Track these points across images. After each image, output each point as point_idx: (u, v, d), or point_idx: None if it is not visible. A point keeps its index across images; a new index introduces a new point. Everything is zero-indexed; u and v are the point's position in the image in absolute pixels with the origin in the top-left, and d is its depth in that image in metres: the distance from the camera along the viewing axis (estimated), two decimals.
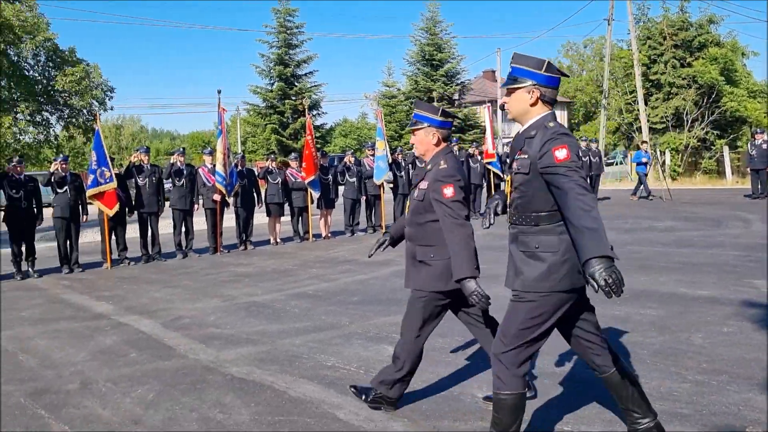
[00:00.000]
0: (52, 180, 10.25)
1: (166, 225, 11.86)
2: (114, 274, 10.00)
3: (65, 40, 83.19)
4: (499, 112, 40.36)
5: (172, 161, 11.56)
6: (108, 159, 10.51)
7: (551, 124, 2.91)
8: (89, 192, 10.39)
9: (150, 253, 11.11)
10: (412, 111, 35.00)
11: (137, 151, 11.42)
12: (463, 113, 40.64)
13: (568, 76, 3.89)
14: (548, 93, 2.99)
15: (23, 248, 9.95)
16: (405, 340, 3.79)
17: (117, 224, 10.74)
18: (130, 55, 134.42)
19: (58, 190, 10.29)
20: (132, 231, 11.59)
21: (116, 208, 10.44)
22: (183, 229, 11.44)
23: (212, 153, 11.82)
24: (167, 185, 11.55)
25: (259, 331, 6.07)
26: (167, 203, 11.58)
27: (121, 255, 10.83)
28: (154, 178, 11.03)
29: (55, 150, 37.73)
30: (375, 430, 3.70)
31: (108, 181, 10.40)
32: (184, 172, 11.39)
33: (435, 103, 5.82)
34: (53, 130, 39.60)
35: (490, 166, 15.71)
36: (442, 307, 3.75)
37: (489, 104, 17.67)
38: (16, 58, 35.36)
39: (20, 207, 9.84)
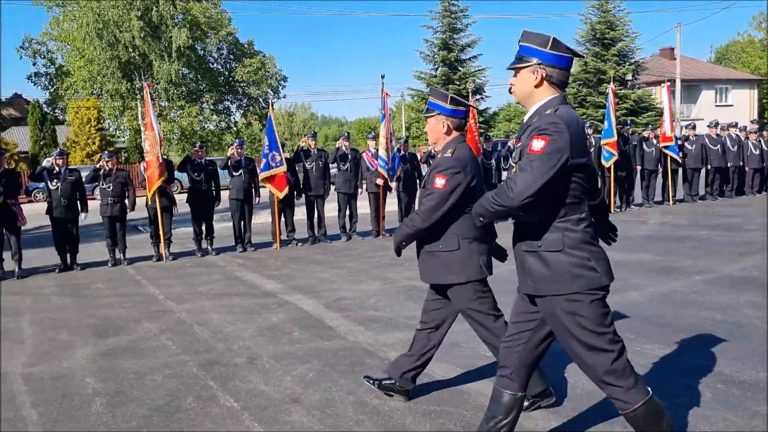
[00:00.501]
0: (229, 164, 10.92)
1: (331, 208, 12.21)
2: (282, 254, 10.47)
3: (244, 34, 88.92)
4: (678, 92, 37.46)
5: (337, 146, 11.87)
6: (279, 144, 10.99)
7: (549, 111, 2.67)
8: (261, 175, 10.92)
9: (316, 234, 11.51)
10: (579, 94, 33.35)
11: (305, 136, 11.87)
12: (635, 95, 38.20)
13: (581, 56, 3.52)
14: (555, 74, 2.75)
15: (203, 227, 10.71)
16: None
17: (286, 206, 11.22)
18: (300, 45, 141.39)
19: (234, 174, 10.93)
20: (300, 213, 12.06)
21: (286, 191, 10.90)
22: (347, 212, 11.72)
23: (375, 138, 11.97)
24: (333, 169, 11.88)
25: (417, 315, 5.99)
26: (332, 187, 11.92)
27: (289, 236, 11.32)
28: (320, 162, 11.39)
29: (234, 136, 40.60)
30: (535, 430, 3.47)
31: (278, 165, 10.87)
32: (349, 156, 11.64)
33: (448, 92, 5.43)
34: (233, 117, 42.77)
35: (666, 151, 14.54)
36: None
37: (668, 83, 16.33)
38: (202, 52, 38.42)
39: (200, 189, 10.59)
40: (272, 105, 12.86)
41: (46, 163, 10.06)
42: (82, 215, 9.93)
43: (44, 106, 39.63)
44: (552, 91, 2.76)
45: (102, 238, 10.58)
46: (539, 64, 2.74)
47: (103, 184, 9.95)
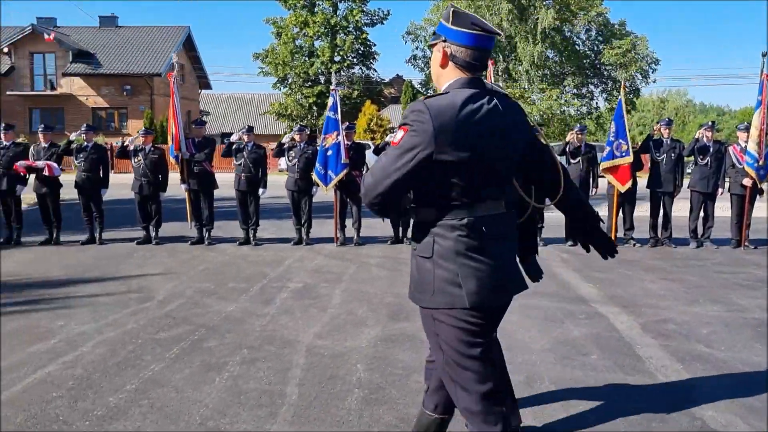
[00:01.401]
0: (567, 150, 10.11)
1: (678, 208, 10.56)
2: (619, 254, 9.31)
3: (616, 14, 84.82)
4: None
5: (696, 137, 10.14)
6: (627, 131, 9.80)
7: (423, 97, 2.30)
8: (603, 165, 9.88)
9: (659, 236, 10.04)
10: None
11: (658, 123, 10.39)
12: None
13: (497, 33, 2.37)
14: (459, 53, 2.33)
15: None
16: None
17: (625, 201, 9.99)
18: (677, 23, 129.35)
19: (572, 161, 10.09)
20: (640, 210, 10.67)
21: (628, 184, 9.70)
22: (701, 214, 9.99)
23: (747, 129, 9.89)
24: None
25: (764, 363, 4.57)
26: (685, 183, 10.26)
27: (626, 234, 10.08)
28: (673, 154, 9.85)
29: (594, 121, 38.97)
30: None
31: (624, 154, 9.70)
32: (710, 149, 9.85)
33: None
34: (596, 101, 41.06)
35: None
36: None
37: None
38: (569, 33, 37.49)
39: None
40: (624, 87, 11.53)
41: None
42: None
43: (419, 86, 43.08)
44: (457, 72, 2.36)
45: None
46: (444, 41, 2.37)
47: None
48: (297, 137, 10.13)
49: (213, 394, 3.94)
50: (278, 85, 40.90)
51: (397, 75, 47.19)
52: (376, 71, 41.90)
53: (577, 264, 8.43)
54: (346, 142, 9.80)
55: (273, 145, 12.58)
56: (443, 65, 2.39)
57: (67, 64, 35.27)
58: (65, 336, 5.09)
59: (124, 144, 10.08)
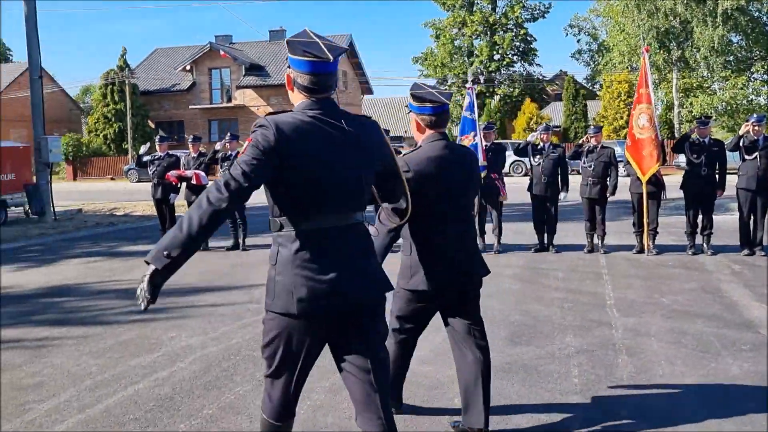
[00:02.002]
0: (741, 144, 8.73)
1: None
2: None
3: None
4: None
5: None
6: None
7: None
8: None
9: None
10: None
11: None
12: None
13: (321, 58, 2.34)
14: (299, 78, 2.46)
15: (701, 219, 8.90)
16: None
17: None
18: None
19: (747, 157, 8.71)
20: None
21: None
22: None
23: None
24: None
25: None
26: None
27: None
28: None
29: (765, 110, 34.71)
30: None
31: None
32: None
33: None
34: None
35: None
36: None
37: None
38: (757, 13, 33.61)
39: (700, 174, 8.73)
40: None
41: (530, 137, 9.75)
42: (562, 194, 9.31)
43: (584, 81, 40.95)
44: (301, 96, 2.49)
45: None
46: (289, 67, 2.51)
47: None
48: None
49: None
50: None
51: (561, 71, 45.20)
52: (540, 66, 40.40)
53: (750, 277, 7.18)
54: (484, 143, 9.21)
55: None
56: (291, 89, 2.53)
57: (240, 77, 37.64)
58: (170, 349, 5.03)
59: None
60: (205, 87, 38.29)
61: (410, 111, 3.27)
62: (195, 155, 10.49)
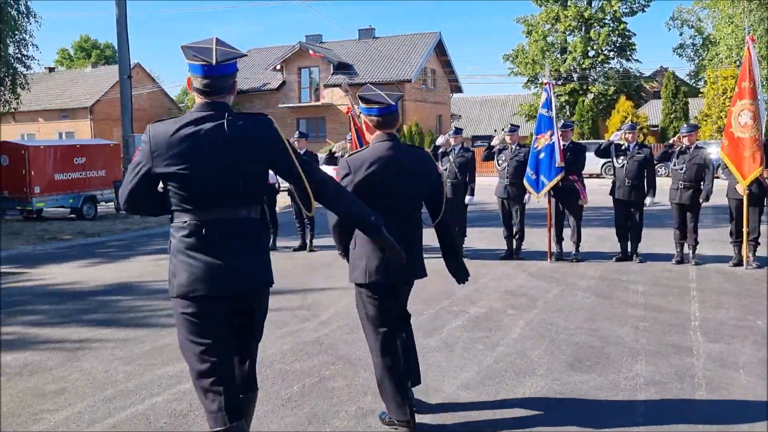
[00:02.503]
0: None
1: None
2: None
3: None
4: None
5: None
6: None
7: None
8: None
9: None
10: None
11: None
12: None
13: (208, 62, 2.54)
14: (195, 81, 2.63)
15: None
16: None
17: None
18: None
19: None
20: None
21: None
22: None
23: None
24: None
25: None
26: None
27: None
28: None
29: None
30: None
31: None
32: None
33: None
34: None
35: None
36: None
37: None
38: None
39: None
40: None
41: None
42: (648, 199, 8.51)
43: (687, 77, 38.58)
44: (197, 98, 2.66)
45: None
46: (189, 71, 2.63)
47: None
48: (508, 138, 9.14)
49: None
50: (528, 84, 39.64)
51: (661, 67, 42.79)
52: (639, 62, 38.42)
53: None
54: (561, 142, 8.55)
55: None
56: (191, 91, 2.65)
57: (329, 76, 37.88)
58: None
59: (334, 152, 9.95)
60: (294, 86, 38.80)
61: (360, 113, 3.51)
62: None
